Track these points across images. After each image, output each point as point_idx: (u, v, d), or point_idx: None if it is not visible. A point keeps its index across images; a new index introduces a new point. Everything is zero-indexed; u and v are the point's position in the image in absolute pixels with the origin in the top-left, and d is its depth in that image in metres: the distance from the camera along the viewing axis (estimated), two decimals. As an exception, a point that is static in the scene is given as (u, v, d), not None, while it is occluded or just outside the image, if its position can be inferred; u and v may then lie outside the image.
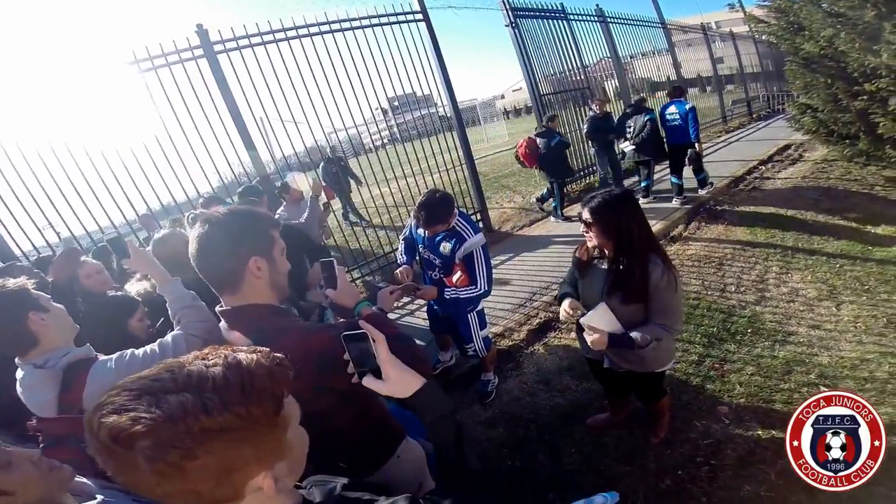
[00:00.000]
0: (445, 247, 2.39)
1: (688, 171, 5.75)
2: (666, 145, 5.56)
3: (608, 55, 8.46)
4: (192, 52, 4.04)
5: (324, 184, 6.14)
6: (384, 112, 6.31)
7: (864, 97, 4.90)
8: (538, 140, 5.69)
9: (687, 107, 5.34)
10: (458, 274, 2.39)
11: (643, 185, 6.03)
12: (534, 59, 6.76)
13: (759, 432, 2.23)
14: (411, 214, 2.51)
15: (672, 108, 5.49)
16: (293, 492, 0.69)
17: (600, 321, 1.65)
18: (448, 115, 5.82)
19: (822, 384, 2.47)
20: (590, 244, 1.72)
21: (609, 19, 8.25)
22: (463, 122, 5.91)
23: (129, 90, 3.97)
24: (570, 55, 7.45)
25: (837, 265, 3.74)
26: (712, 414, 2.40)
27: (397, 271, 2.52)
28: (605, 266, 1.76)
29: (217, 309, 1.10)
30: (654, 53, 10.07)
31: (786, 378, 2.56)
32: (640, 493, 2.05)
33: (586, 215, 1.65)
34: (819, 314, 3.13)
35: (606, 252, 1.69)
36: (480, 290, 2.40)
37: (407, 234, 2.69)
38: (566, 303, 1.77)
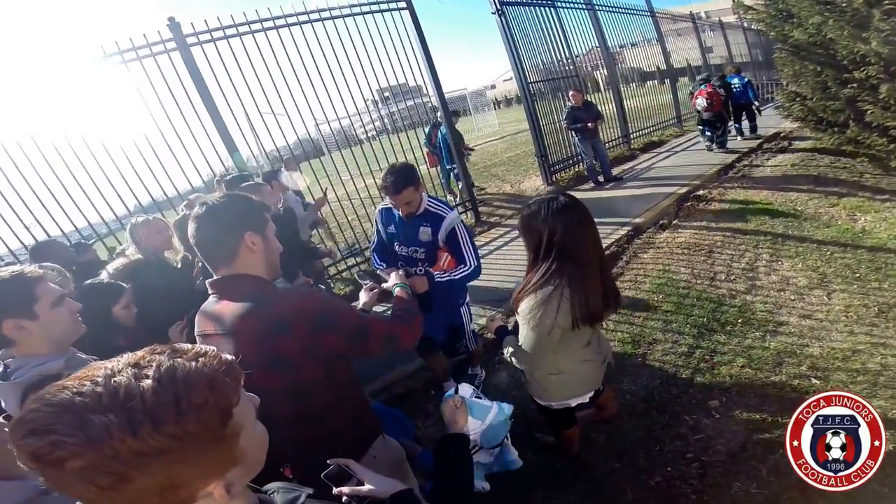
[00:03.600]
0: (425, 232, 2.20)
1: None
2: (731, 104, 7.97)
3: (597, 45, 8.37)
4: (165, 45, 3.90)
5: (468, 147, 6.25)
6: (367, 104, 6.18)
7: (854, 85, 4.88)
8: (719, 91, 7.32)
9: (746, 80, 8.16)
10: (446, 256, 2.21)
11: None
12: (521, 47, 6.66)
13: (751, 427, 2.18)
14: (377, 214, 2.34)
15: (736, 80, 8.08)
16: (246, 492, 0.65)
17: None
18: (436, 105, 5.71)
19: (814, 376, 2.42)
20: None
21: (597, 7, 8.15)
22: (449, 112, 5.80)
23: (98, 86, 3.83)
24: (558, 44, 7.36)
25: (828, 252, 3.70)
26: (703, 408, 2.35)
27: (382, 272, 2.18)
28: None
29: (207, 282, 1.15)
30: (644, 43, 9.99)
31: (777, 370, 2.51)
32: (629, 491, 2.00)
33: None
34: (810, 303, 3.09)
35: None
36: (471, 266, 2.20)
37: (375, 241, 2.44)
38: None
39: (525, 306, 1.49)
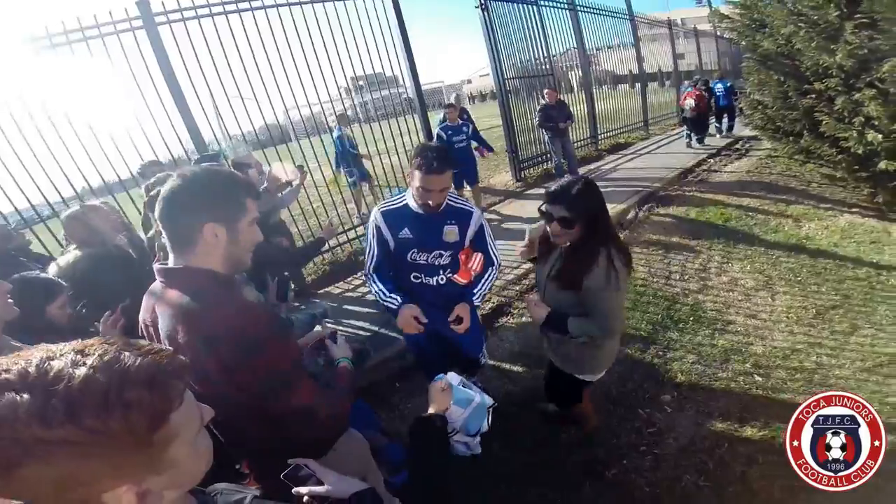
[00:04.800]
0: (451, 231, 1.82)
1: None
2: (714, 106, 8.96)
3: (575, 45, 8.46)
4: (131, 23, 3.69)
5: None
6: (340, 92, 6.05)
7: (813, 95, 5.06)
8: (704, 94, 8.28)
9: (728, 84, 8.93)
10: (477, 257, 1.85)
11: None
12: (501, 43, 6.67)
13: (699, 422, 2.31)
14: (376, 218, 1.83)
15: (720, 85, 8.92)
16: (186, 498, 0.64)
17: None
18: (411, 96, 5.65)
19: (757, 373, 2.59)
20: (555, 236, 1.61)
21: (579, 8, 8.20)
22: (424, 102, 5.74)
23: (54, 64, 3.56)
24: (537, 42, 7.40)
25: (774, 256, 3.95)
26: (656, 402, 2.47)
27: (409, 320, 1.76)
28: (554, 253, 1.72)
29: (156, 266, 1.06)
30: (620, 47, 10.17)
31: (724, 367, 2.67)
32: (587, 485, 2.07)
33: (558, 209, 1.54)
34: (755, 304, 3.29)
35: (566, 239, 1.61)
36: (496, 266, 1.97)
37: (375, 256, 1.87)
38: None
39: (598, 276, 1.52)
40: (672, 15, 13.05)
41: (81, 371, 0.47)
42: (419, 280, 1.91)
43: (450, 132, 5.53)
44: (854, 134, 4.62)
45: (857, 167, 4.98)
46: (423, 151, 1.66)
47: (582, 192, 1.52)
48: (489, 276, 1.93)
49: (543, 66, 7.67)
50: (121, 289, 1.90)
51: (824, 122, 4.98)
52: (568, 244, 1.63)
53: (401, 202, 1.84)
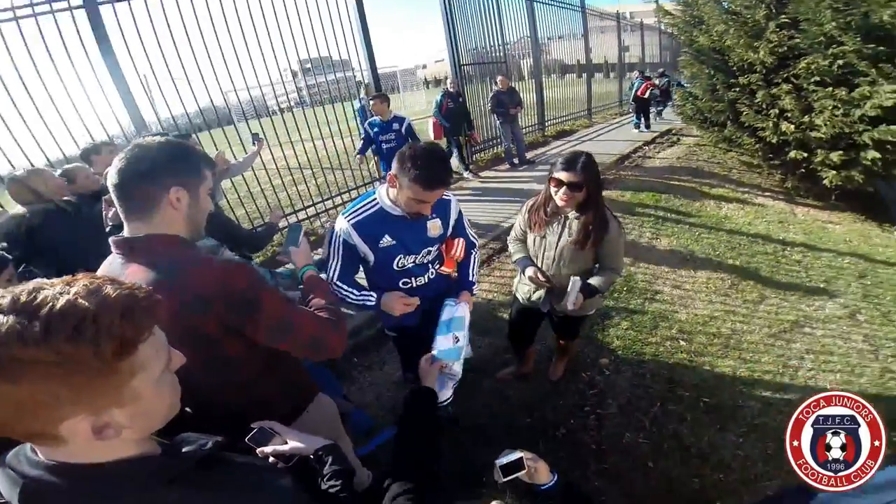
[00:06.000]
0: (435, 225, 1.69)
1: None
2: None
3: (528, 35, 8.63)
4: (69, 2, 3.44)
5: (446, 124, 6.15)
6: (294, 74, 5.88)
7: (737, 89, 5.58)
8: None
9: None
10: (458, 244, 1.78)
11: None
12: (459, 30, 6.73)
13: (634, 383, 2.56)
14: (346, 231, 1.56)
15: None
16: (149, 441, 0.65)
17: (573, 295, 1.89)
18: (366, 80, 5.59)
19: (682, 339, 2.91)
20: (563, 201, 1.82)
21: (534, -1, 8.32)
22: (381, 85, 5.71)
23: None
24: (493, 30, 7.52)
25: (697, 233, 4.40)
26: (596, 366, 2.71)
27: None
28: (560, 221, 1.94)
29: (112, 240, 0.99)
30: (570, 37, 10.49)
31: (653, 332, 2.98)
32: (541, 444, 2.23)
33: (570, 176, 1.76)
34: (680, 275, 3.68)
35: (571, 207, 1.85)
36: (477, 245, 1.95)
37: (339, 267, 1.61)
38: (531, 271, 1.99)
39: (613, 228, 1.88)
40: (621, 8, 13.44)
41: (64, 298, 0.50)
42: (409, 284, 1.75)
43: (376, 129, 4.64)
44: (770, 125, 5.18)
45: (771, 155, 5.60)
46: (423, 162, 1.40)
47: (587, 161, 1.79)
48: (474, 258, 1.90)
49: (498, 54, 7.82)
50: (71, 240, 1.93)
51: (745, 114, 5.52)
52: (574, 211, 1.88)
53: (372, 207, 1.58)
